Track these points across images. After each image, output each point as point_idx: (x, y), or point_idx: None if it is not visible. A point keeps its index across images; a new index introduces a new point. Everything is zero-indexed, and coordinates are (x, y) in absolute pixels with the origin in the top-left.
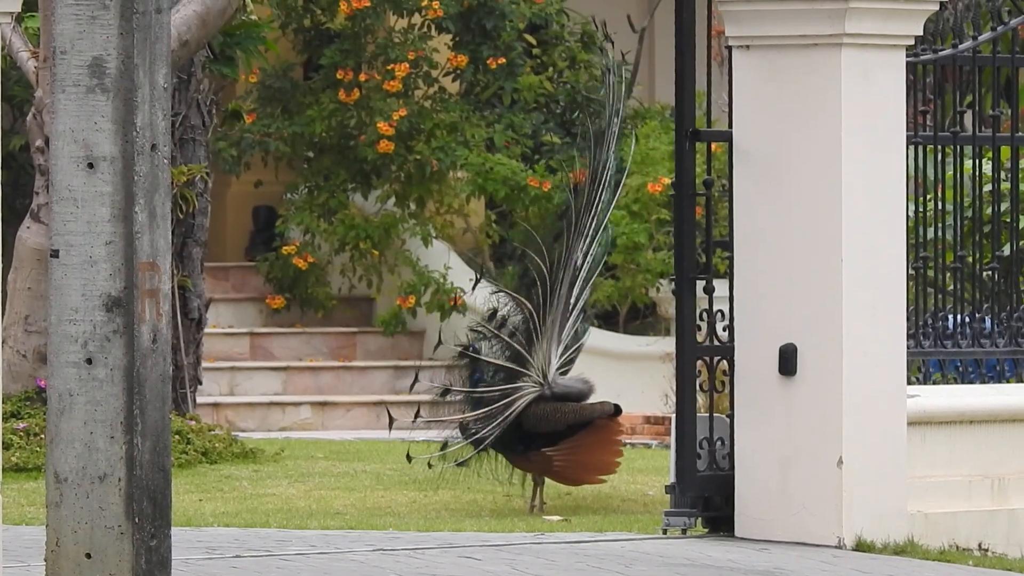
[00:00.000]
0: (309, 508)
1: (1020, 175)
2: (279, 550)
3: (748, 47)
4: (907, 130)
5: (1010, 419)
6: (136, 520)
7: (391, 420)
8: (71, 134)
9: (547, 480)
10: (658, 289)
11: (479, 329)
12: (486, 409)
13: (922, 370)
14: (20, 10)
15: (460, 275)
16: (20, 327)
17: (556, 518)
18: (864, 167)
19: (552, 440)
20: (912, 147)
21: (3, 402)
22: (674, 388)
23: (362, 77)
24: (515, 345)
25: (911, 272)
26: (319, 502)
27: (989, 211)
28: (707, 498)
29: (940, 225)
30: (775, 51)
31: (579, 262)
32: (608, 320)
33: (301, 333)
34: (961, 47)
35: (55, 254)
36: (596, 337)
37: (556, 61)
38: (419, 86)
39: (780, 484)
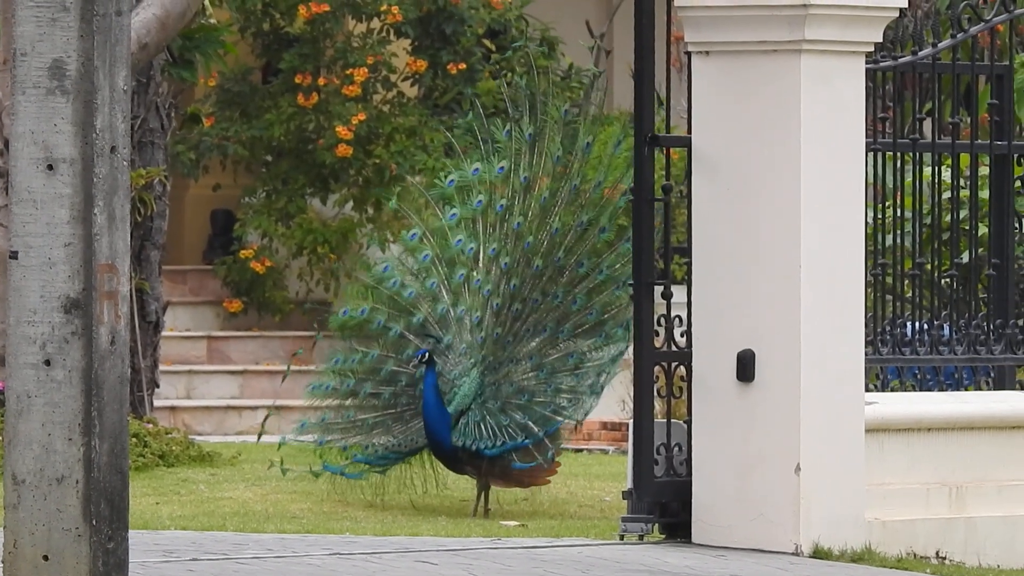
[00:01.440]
0: (266, 512)
1: (979, 182)
2: (236, 553)
3: (707, 53)
4: (866, 137)
5: (968, 427)
6: (94, 522)
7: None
8: (31, 136)
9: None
10: None
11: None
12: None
13: (880, 377)
14: None
15: None
16: None
17: (513, 523)
18: (823, 173)
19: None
20: (871, 154)
21: None
22: (631, 394)
23: (321, 81)
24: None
25: (870, 279)
26: (276, 506)
27: (948, 218)
28: (664, 504)
29: (899, 232)
30: (734, 57)
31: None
32: None
33: (259, 337)
34: (921, 54)
35: (14, 255)
36: None
37: (515, 66)
38: (378, 91)
39: (738, 490)
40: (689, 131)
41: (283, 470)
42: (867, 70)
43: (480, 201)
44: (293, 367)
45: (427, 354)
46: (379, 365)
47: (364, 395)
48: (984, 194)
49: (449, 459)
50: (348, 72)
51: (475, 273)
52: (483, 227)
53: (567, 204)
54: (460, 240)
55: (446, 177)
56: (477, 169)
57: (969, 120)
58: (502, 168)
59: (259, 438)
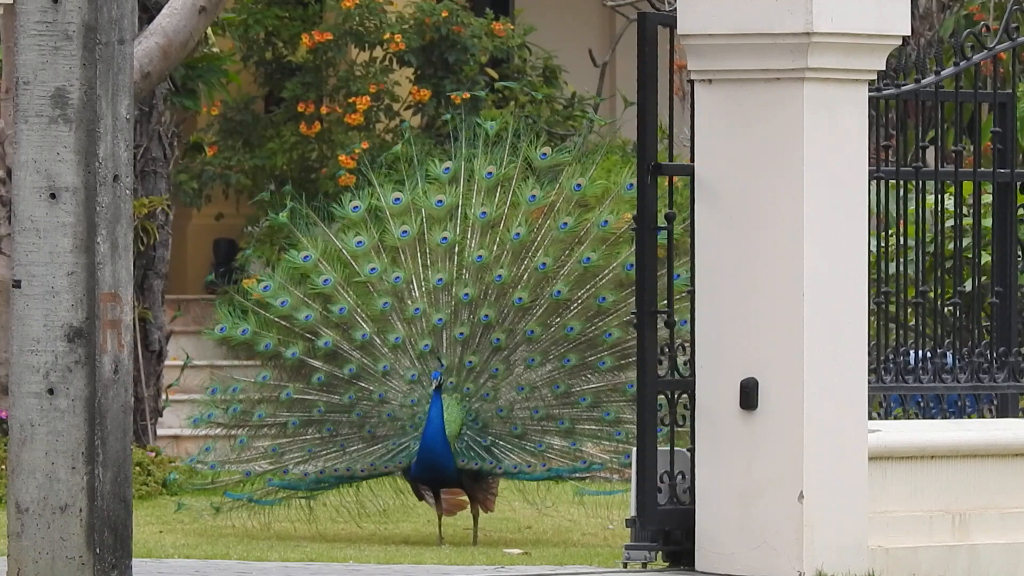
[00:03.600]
0: (269, 540)
1: (982, 211)
2: None
3: (710, 81)
4: (869, 165)
5: (971, 454)
6: (97, 551)
7: None
8: (33, 164)
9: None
10: None
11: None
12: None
13: (883, 405)
14: None
15: None
16: None
17: (517, 551)
18: (826, 201)
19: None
20: (874, 182)
21: None
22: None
23: (323, 110)
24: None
25: (873, 307)
26: (279, 534)
27: (951, 247)
28: (668, 532)
29: (902, 260)
30: (737, 85)
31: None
32: None
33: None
34: (924, 82)
35: (17, 284)
36: None
37: (518, 95)
38: (380, 119)
39: (741, 518)
40: (692, 159)
41: (179, 505)
42: (870, 98)
43: (406, 232)
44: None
45: (440, 377)
46: (273, 392)
47: (257, 419)
48: (987, 222)
49: (441, 481)
50: (351, 101)
51: (410, 302)
52: (413, 257)
53: (556, 242)
54: (375, 268)
55: (350, 203)
56: (399, 199)
57: (972, 148)
58: (440, 202)
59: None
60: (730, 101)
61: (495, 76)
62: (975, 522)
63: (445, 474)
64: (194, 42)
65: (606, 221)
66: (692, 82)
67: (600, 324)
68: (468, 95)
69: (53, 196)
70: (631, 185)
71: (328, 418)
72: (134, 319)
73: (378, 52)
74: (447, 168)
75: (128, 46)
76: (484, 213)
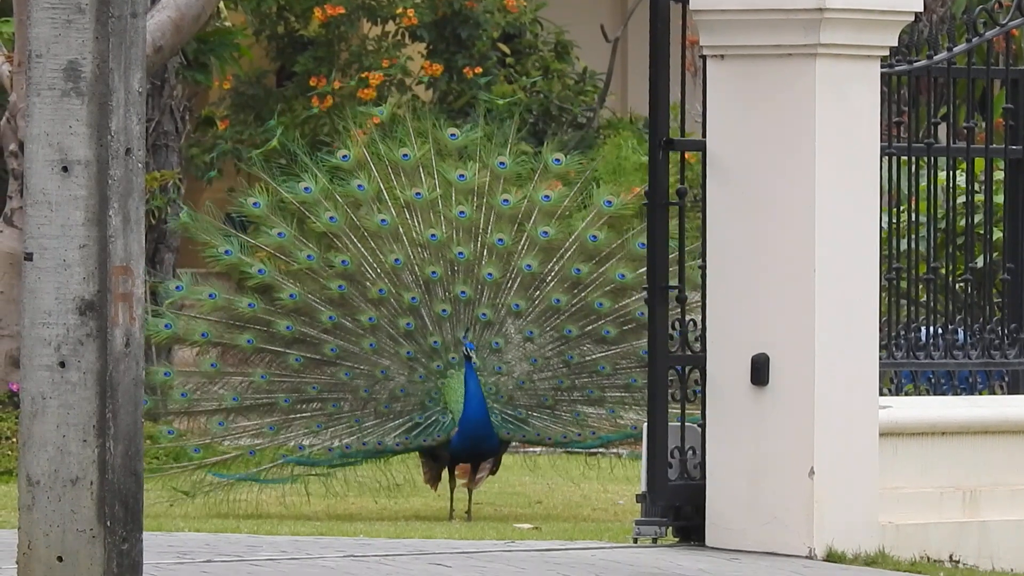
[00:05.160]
0: (280, 513)
1: (994, 187)
2: (250, 555)
3: (722, 57)
4: (881, 141)
5: (982, 431)
6: (108, 524)
7: None
8: (46, 138)
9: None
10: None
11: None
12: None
13: (894, 381)
14: None
15: None
16: None
17: (527, 526)
18: (838, 178)
19: None
20: (886, 158)
21: None
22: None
23: (336, 84)
24: None
25: (884, 283)
26: (290, 508)
27: (962, 223)
28: (678, 507)
29: (913, 236)
30: (749, 61)
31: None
32: None
33: None
34: (936, 58)
35: (29, 257)
36: None
37: (530, 70)
38: (393, 94)
39: (751, 494)
40: (704, 135)
41: (184, 492)
42: (882, 74)
43: (385, 220)
44: None
45: (474, 348)
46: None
47: (233, 402)
48: (999, 199)
49: (482, 453)
50: (363, 75)
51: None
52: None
53: (505, 218)
54: (312, 256)
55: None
56: (362, 186)
57: (984, 125)
58: (419, 194)
59: None
60: (742, 77)
61: (507, 51)
62: (985, 499)
63: (488, 445)
64: (206, 16)
65: (546, 196)
66: (704, 58)
67: (582, 295)
68: (480, 70)
69: (65, 169)
70: (608, 202)
71: (328, 396)
72: (145, 292)
73: (390, 27)
74: (461, 175)
75: (141, 19)
76: (463, 212)
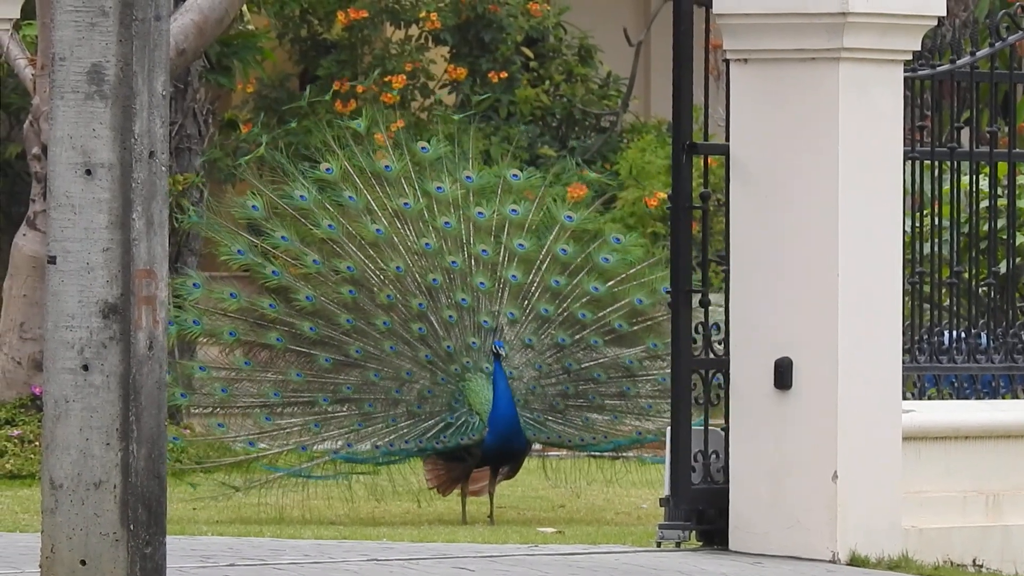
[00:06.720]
0: (303, 517)
1: (1016, 191)
2: (273, 559)
3: (746, 60)
4: (904, 145)
5: (1005, 435)
6: (131, 527)
7: None
8: (69, 140)
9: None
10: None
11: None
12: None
13: (917, 385)
14: (19, 17)
15: None
16: (15, 334)
17: (550, 530)
18: (861, 182)
19: None
20: (909, 162)
21: None
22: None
23: (359, 88)
24: None
25: (907, 287)
26: (313, 511)
27: (986, 227)
28: (701, 511)
29: (936, 240)
30: (773, 65)
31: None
32: None
33: None
34: (959, 63)
35: (52, 260)
36: None
37: (553, 74)
38: (416, 98)
39: (774, 498)
40: (727, 139)
41: (234, 488)
42: (905, 78)
43: (380, 231)
44: None
45: (504, 347)
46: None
47: (275, 397)
48: (1022, 203)
49: (513, 454)
50: (386, 79)
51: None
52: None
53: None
54: (317, 260)
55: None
56: (352, 198)
57: (1007, 129)
58: (407, 204)
59: None
60: (765, 81)
61: (530, 55)
62: (1008, 503)
63: (518, 444)
64: (229, 19)
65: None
66: (727, 61)
67: (564, 305)
68: (505, 74)
69: (89, 172)
70: (569, 217)
71: (362, 396)
72: (168, 295)
73: (413, 30)
74: (440, 187)
75: (164, 22)
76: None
